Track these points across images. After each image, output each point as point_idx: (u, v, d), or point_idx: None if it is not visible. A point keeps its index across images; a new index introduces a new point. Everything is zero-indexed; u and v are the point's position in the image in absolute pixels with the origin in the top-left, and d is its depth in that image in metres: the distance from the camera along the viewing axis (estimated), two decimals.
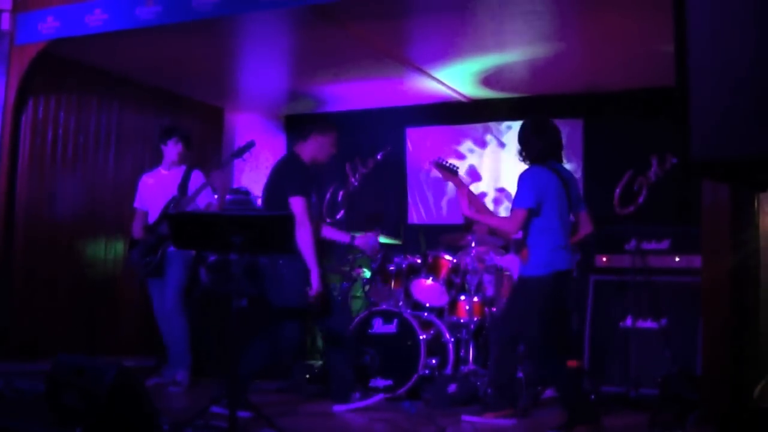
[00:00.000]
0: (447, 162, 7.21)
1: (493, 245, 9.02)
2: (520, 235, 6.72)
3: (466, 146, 11.33)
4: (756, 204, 6.41)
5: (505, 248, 9.14)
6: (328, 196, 11.81)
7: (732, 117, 2.99)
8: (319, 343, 9.92)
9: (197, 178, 8.60)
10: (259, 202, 9.77)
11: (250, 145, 8.07)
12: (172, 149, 8.64)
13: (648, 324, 8.00)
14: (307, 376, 8.87)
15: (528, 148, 6.72)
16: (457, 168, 7.21)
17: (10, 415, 6.36)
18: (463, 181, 7.20)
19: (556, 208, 6.53)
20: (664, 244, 8.16)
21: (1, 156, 9.08)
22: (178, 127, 8.92)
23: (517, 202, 6.53)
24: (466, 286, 8.76)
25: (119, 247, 9.93)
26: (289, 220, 5.97)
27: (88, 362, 5.72)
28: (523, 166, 6.72)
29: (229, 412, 5.64)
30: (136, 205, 8.83)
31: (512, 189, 6.95)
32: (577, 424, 6.19)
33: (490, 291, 8.79)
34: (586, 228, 6.89)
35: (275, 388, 8.52)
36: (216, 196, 8.61)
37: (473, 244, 8.66)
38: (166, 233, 8.15)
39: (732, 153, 3.02)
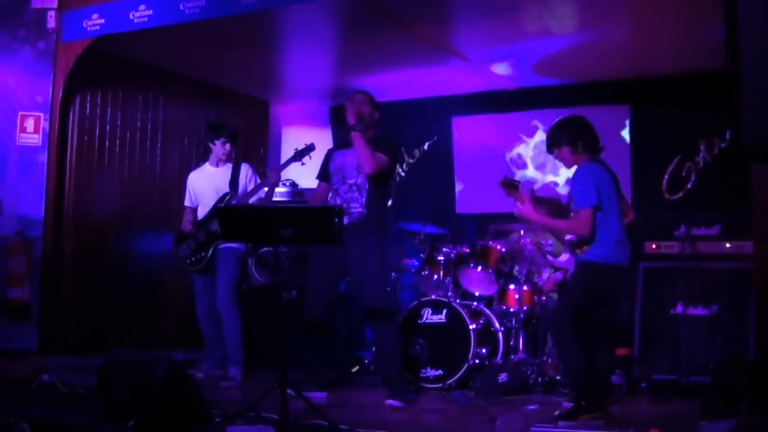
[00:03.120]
0: (509, 178, 7.03)
1: (543, 234, 8.97)
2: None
3: (512, 134, 11.28)
4: None
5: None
6: None
7: None
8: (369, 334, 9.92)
9: (247, 173, 8.59)
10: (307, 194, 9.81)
11: (309, 149, 8.07)
12: (219, 149, 8.60)
13: (699, 311, 7.94)
14: (357, 367, 8.89)
15: (575, 145, 6.58)
16: (519, 182, 7.06)
17: (63, 409, 6.41)
18: (524, 194, 6.98)
19: (613, 202, 6.46)
20: (714, 230, 8.09)
21: (50, 152, 9.17)
22: (224, 125, 8.84)
23: (581, 201, 6.41)
24: (515, 274, 8.72)
25: (167, 241, 9.97)
26: (335, 213, 5.99)
27: (139, 356, 5.75)
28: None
29: (280, 402, 5.65)
30: (186, 203, 8.78)
31: (558, 177, 6.85)
32: (583, 412, 6.14)
33: (539, 279, 8.74)
34: (629, 216, 6.83)
35: (326, 379, 8.53)
36: (266, 190, 8.59)
37: (522, 232, 8.62)
38: (216, 231, 8.17)
39: None
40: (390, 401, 7.01)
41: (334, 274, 7.53)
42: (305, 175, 9.28)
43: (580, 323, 6.28)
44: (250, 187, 8.46)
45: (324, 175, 7.67)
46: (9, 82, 9.19)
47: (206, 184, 8.60)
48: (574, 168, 6.62)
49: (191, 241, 8.52)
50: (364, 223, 7.21)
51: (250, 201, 8.37)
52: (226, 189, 8.45)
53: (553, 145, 6.72)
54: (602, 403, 6.29)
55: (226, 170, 8.59)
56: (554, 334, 6.78)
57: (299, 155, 8.10)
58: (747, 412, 5.80)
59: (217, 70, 10.61)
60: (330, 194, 7.56)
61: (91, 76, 9.53)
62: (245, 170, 8.59)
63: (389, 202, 7.62)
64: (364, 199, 7.29)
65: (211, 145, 8.65)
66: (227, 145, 8.59)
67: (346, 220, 7.07)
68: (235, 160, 8.70)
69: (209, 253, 8.42)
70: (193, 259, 8.52)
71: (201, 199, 8.62)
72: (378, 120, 7.55)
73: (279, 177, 8.73)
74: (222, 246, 8.37)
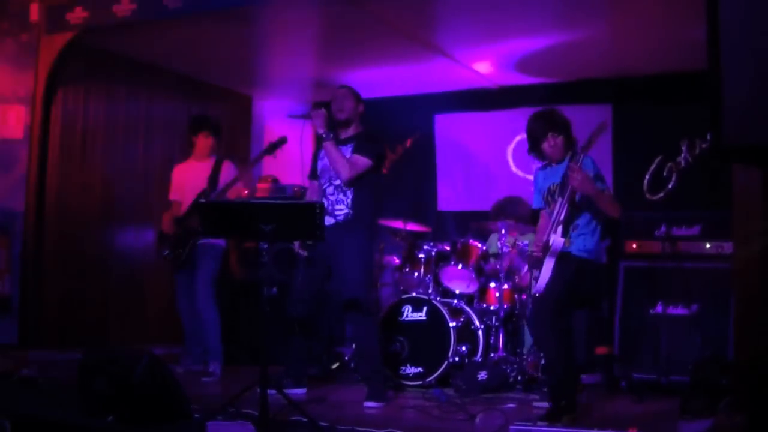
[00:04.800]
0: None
1: (523, 232, 8.98)
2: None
3: (495, 132, 11.28)
4: None
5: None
6: None
7: (764, 101, 2.97)
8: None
9: (228, 169, 8.57)
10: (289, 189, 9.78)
11: (281, 142, 8.04)
12: (202, 142, 8.61)
13: (679, 310, 7.96)
14: (338, 364, 8.88)
15: (568, 136, 6.52)
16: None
17: (43, 403, 6.40)
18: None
19: None
20: (695, 230, 8.12)
21: (32, 146, 9.14)
22: (208, 118, 8.86)
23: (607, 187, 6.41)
24: (496, 272, 8.73)
25: (148, 236, 9.96)
26: (316, 208, 5.99)
27: (120, 351, 5.77)
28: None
29: (260, 399, 5.64)
30: (172, 197, 8.78)
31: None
32: (564, 412, 6.11)
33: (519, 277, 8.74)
34: None
35: (307, 376, 8.53)
36: (246, 192, 8.58)
37: (503, 231, 8.63)
38: (196, 227, 8.18)
39: (764, 137, 3.01)
40: (369, 403, 7.01)
41: (319, 272, 7.50)
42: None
43: (562, 318, 6.25)
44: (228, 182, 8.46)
45: (314, 173, 7.65)
46: None
47: (187, 179, 8.61)
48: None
49: (171, 238, 8.51)
50: (349, 224, 7.19)
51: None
52: (204, 185, 8.45)
53: (549, 130, 6.49)
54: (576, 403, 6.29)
55: (208, 166, 8.58)
56: (535, 329, 6.64)
57: (271, 149, 8.07)
58: (726, 412, 5.82)
59: (200, 65, 10.59)
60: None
61: (74, 69, 9.50)
62: (226, 167, 8.58)
63: (379, 199, 7.56)
64: (350, 201, 7.26)
65: (194, 138, 8.66)
66: (209, 139, 8.59)
67: (331, 222, 7.12)
68: (218, 156, 8.69)
69: (187, 250, 8.41)
70: (172, 255, 8.51)
71: (182, 193, 8.61)
72: (363, 113, 7.55)
73: (251, 173, 8.72)
74: (201, 242, 8.36)
